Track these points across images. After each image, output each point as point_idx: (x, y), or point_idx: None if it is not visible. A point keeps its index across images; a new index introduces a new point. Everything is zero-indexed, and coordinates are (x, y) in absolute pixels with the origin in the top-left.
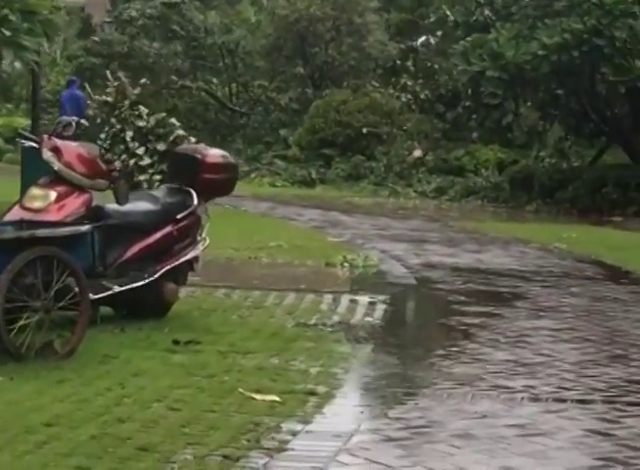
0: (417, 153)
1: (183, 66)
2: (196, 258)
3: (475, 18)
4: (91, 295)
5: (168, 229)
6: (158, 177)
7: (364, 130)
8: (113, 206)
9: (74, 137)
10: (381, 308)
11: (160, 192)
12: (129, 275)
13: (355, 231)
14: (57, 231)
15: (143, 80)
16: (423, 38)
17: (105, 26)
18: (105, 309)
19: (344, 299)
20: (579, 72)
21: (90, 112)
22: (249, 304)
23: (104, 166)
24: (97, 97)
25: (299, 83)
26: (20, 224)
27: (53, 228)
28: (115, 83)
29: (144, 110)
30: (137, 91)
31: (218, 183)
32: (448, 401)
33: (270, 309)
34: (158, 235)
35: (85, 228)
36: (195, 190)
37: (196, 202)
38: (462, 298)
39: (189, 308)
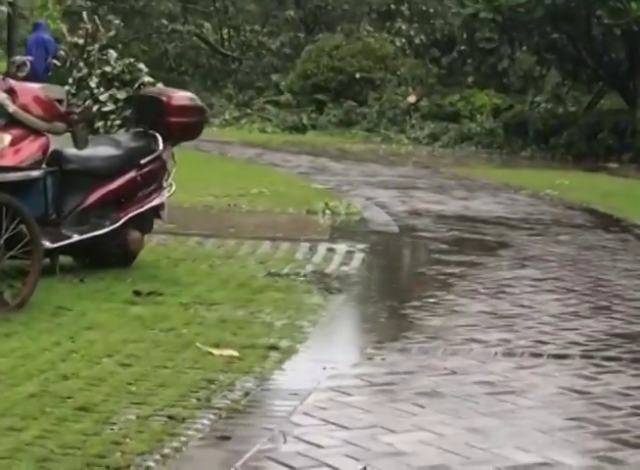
0: (411, 98)
1: (174, 9)
2: (162, 205)
3: None
4: (49, 243)
5: (132, 175)
6: (117, 122)
7: (357, 75)
8: (72, 150)
9: (27, 78)
10: (358, 258)
11: (123, 136)
12: (90, 223)
13: (342, 178)
14: (5, 176)
15: (117, 22)
16: None
17: None
18: (65, 259)
19: (322, 247)
20: (575, 16)
21: (62, 53)
22: (221, 253)
23: (62, 109)
24: (69, 39)
25: (292, 28)
26: None
27: (1, 173)
28: (88, 25)
29: (113, 54)
30: (111, 34)
31: (185, 127)
32: (417, 357)
33: (242, 259)
34: (120, 181)
35: (36, 173)
36: (160, 134)
37: (161, 146)
38: (444, 246)
39: (157, 258)
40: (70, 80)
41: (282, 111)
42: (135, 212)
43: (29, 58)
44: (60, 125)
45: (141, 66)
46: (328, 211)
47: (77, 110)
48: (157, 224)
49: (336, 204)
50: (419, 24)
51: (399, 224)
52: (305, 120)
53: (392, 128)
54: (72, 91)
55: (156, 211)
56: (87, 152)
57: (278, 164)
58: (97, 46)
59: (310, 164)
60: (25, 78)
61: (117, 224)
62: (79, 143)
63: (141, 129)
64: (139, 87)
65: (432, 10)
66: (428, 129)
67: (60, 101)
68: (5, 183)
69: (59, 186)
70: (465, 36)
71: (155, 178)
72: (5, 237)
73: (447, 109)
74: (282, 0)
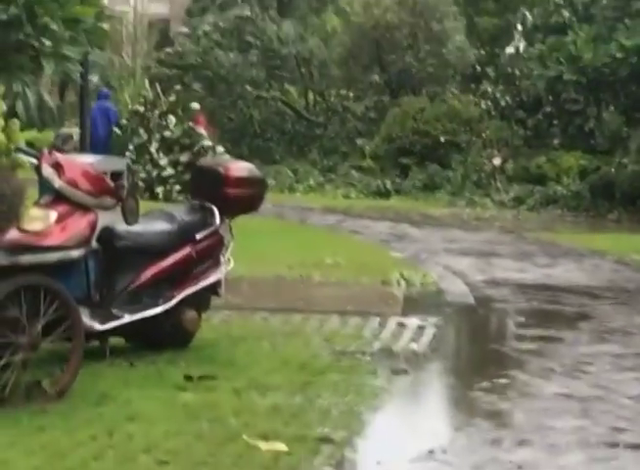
0: (496, 161)
1: (258, 76)
2: (219, 282)
3: (554, 19)
4: (98, 325)
5: (186, 251)
6: (177, 188)
7: (442, 139)
8: (124, 226)
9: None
10: (429, 333)
11: (177, 210)
12: (142, 302)
13: (422, 245)
14: (44, 257)
15: (177, 87)
16: (511, 47)
17: (179, 38)
18: (117, 341)
19: (392, 322)
20: None
21: (124, 121)
22: (286, 329)
23: (111, 183)
24: (130, 107)
25: (376, 91)
26: (15, 249)
27: (39, 253)
28: (150, 93)
29: (172, 120)
30: (171, 99)
31: (243, 199)
32: (482, 449)
33: (308, 336)
34: (174, 257)
35: (77, 253)
36: (217, 207)
37: (218, 220)
38: (521, 319)
39: (217, 337)
40: (131, 147)
41: (365, 176)
42: (190, 291)
43: (77, 130)
44: (109, 200)
45: (201, 130)
46: (403, 282)
47: (124, 183)
48: (220, 300)
49: (411, 273)
50: (504, 86)
51: (476, 295)
52: (389, 185)
53: (477, 192)
54: (133, 158)
55: (213, 287)
56: (139, 227)
57: (358, 232)
58: (157, 112)
59: (391, 231)
60: (70, 152)
61: (171, 303)
62: (129, 218)
63: (197, 202)
64: (198, 151)
65: (517, 71)
66: (513, 192)
67: (119, 174)
68: (42, 264)
69: (109, 264)
70: (550, 98)
71: (211, 254)
72: (43, 322)
73: (533, 171)
74: (366, 64)
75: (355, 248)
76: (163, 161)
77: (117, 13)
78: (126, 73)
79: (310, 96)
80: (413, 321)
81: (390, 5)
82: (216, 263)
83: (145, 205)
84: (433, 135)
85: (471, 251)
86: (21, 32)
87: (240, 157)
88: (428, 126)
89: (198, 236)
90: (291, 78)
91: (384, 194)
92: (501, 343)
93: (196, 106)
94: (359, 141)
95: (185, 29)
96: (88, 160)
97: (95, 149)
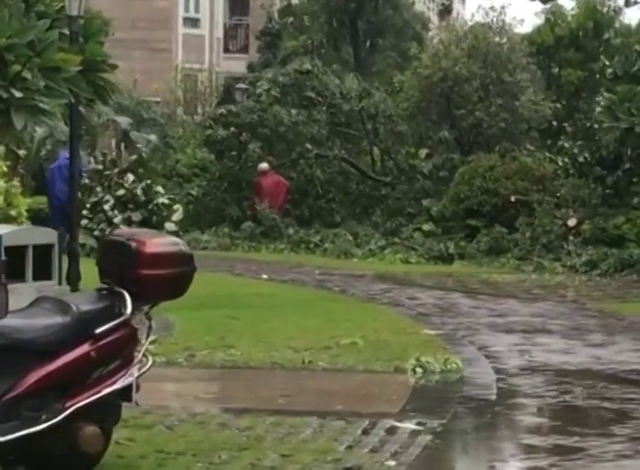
0: (571, 222)
1: (320, 133)
2: (131, 386)
3: (636, 68)
4: None
5: (83, 349)
6: None
7: (512, 198)
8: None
9: None
10: (421, 443)
11: (75, 297)
12: (22, 417)
13: (464, 319)
14: None
15: (138, 148)
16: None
17: (237, 94)
18: None
19: (382, 426)
20: None
21: (86, 180)
22: (241, 441)
23: None
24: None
25: (446, 149)
26: None
27: None
28: (113, 152)
29: (130, 178)
30: (133, 158)
31: (162, 282)
32: None
33: (264, 451)
34: (65, 359)
35: None
36: (130, 291)
37: (129, 309)
38: (544, 420)
39: (143, 452)
40: (88, 205)
41: (428, 239)
42: (88, 400)
43: None
44: None
45: (158, 188)
46: (419, 369)
47: None
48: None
49: (433, 358)
50: (583, 142)
51: (502, 386)
52: (452, 249)
53: (547, 256)
54: (89, 215)
55: (125, 392)
56: (18, 321)
57: (399, 303)
58: (116, 171)
59: (437, 302)
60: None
61: (59, 418)
62: None
63: (105, 286)
64: (152, 209)
65: (596, 125)
66: (585, 256)
67: (46, 247)
68: None
69: None
70: (629, 152)
71: (119, 352)
72: None
73: (611, 232)
74: (435, 120)
75: (386, 324)
76: (117, 218)
77: (193, 70)
78: (189, 132)
79: (376, 154)
80: (407, 426)
81: (460, 56)
82: (126, 364)
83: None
84: (502, 195)
85: (518, 326)
86: None
87: (300, 219)
88: (497, 185)
89: (99, 330)
90: (355, 136)
91: (446, 259)
92: (506, 459)
93: (264, 166)
94: (425, 202)
95: (243, 85)
96: None
97: (54, 209)
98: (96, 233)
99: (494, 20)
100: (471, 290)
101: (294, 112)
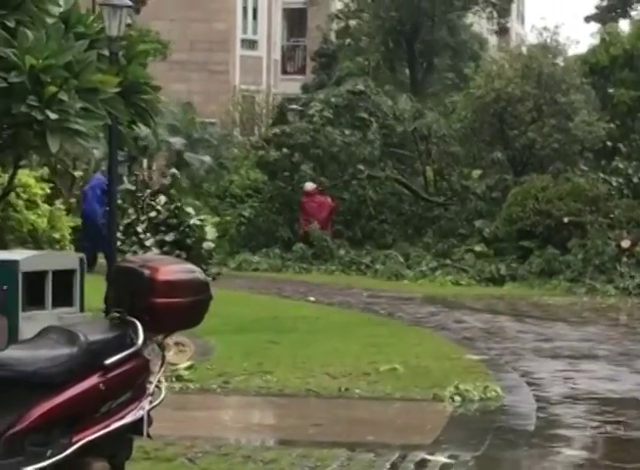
0: (625, 243)
1: (372, 154)
2: (143, 419)
3: None
4: None
5: (91, 382)
6: None
7: (565, 219)
8: (3, 352)
9: None
10: None
11: (83, 326)
12: (25, 453)
13: (510, 344)
14: None
15: (172, 171)
16: None
17: (290, 115)
18: None
19: (412, 459)
20: None
21: (119, 201)
22: None
23: None
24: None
25: (498, 169)
26: None
27: None
28: (145, 172)
29: (162, 200)
30: (166, 181)
31: (176, 311)
32: None
33: None
34: (72, 391)
35: None
36: (142, 321)
37: (141, 339)
38: (582, 454)
39: None
40: (121, 227)
41: (480, 260)
42: (96, 434)
43: None
44: None
45: (189, 209)
46: (457, 398)
47: None
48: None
49: (473, 385)
50: (638, 162)
51: (542, 415)
52: (503, 271)
53: (600, 278)
54: (121, 237)
55: (136, 426)
56: (21, 352)
57: (445, 327)
58: (148, 192)
59: (484, 326)
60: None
61: (65, 453)
62: None
63: (116, 315)
64: (184, 231)
65: None
66: (639, 278)
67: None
68: None
69: None
70: None
71: (130, 384)
72: None
73: None
74: (488, 140)
75: (428, 349)
76: (149, 241)
77: (250, 91)
78: (243, 153)
79: (429, 175)
80: (438, 459)
81: (514, 76)
82: (138, 396)
83: None
84: (555, 216)
85: (564, 351)
86: (23, 104)
87: (352, 240)
88: (550, 206)
89: (108, 361)
90: (407, 156)
91: (497, 280)
92: None
93: (308, 186)
94: (478, 223)
95: (296, 106)
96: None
97: (85, 228)
98: (128, 255)
99: (548, 40)
100: (520, 313)
101: (346, 132)
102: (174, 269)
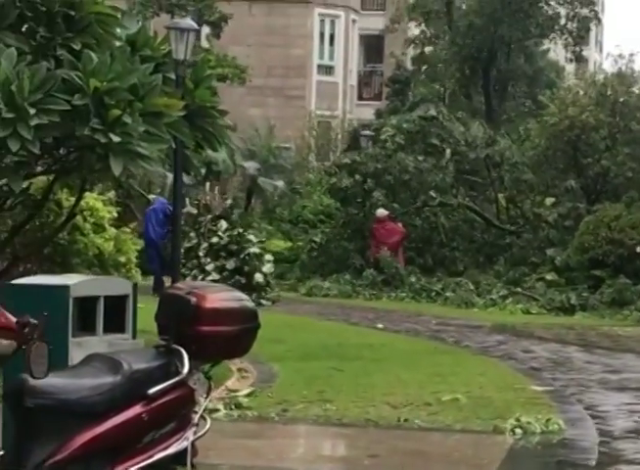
0: None
1: (444, 181)
2: (187, 450)
3: None
4: None
5: (134, 411)
6: None
7: (638, 249)
8: (45, 379)
9: None
10: None
11: (127, 354)
12: None
13: (577, 375)
14: None
15: (229, 202)
16: None
17: (363, 141)
18: None
19: None
20: None
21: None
22: None
23: (10, 318)
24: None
25: (572, 197)
26: None
27: None
28: (207, 197)
29: (223, 225)
30: (227, 204)
31: (223, 339)
32: None
33: None
34: (115, 421)
35: None
36: (187, 349)
37: (187, 368)
38: None
39: None
40: (182, 250)
41: (550, 289)
42: (137, 466)
43: None
44: (4, 343)
45: (251, 237)
46: (518, 430)
47: (31, 320)
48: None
49: (535, 417)
50: None
51: (604, 450)
52: (574, 300)
53: None
54: (182, 261)
55: (179, 456)
56: (64, 380)
57: (512, 357)
58: (209, 217)
59: (551, 356)
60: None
61: None
62: (35, 369)
63: (162, 343)
64: (244, 258)
65: None
66: None
67: (120, 298)
68: None
69: (18, 430)
70: None
71: (173, 415)
72: None
73: None
74: (562, 168)
75: (492, 379)
76: (210, 266)
77: (325, 117)
78: (317, 178)
79: (501, 202)
80: None
81: (588, 104)
82: (181, 427)
83: None
84: (628, 245)
85: (632, 384)
86: (86, 126)
87: (423, 267)
88: (623, 235)
89: (152, 391)
90: (479, 184)
91: (568, 310)
92: None
93: (380, 213)
94: (550, 251)
95: (368, 132)
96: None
97: (146, 249)
98: (188, 279)
99: (623, 68)
100: (589, 343)
101: (419, 158)
102: (221, 297)
